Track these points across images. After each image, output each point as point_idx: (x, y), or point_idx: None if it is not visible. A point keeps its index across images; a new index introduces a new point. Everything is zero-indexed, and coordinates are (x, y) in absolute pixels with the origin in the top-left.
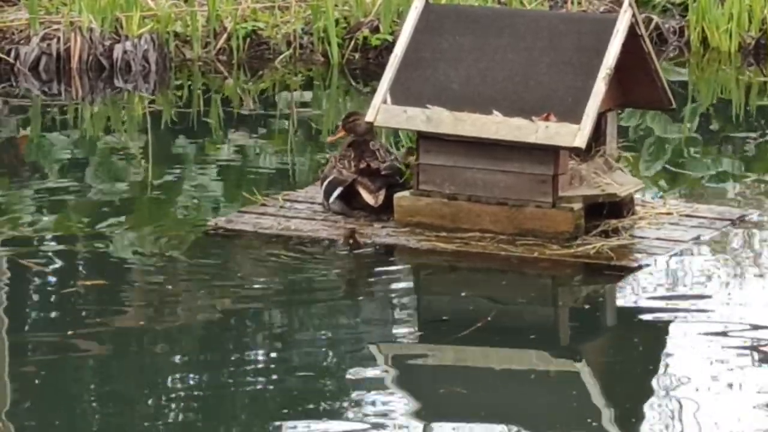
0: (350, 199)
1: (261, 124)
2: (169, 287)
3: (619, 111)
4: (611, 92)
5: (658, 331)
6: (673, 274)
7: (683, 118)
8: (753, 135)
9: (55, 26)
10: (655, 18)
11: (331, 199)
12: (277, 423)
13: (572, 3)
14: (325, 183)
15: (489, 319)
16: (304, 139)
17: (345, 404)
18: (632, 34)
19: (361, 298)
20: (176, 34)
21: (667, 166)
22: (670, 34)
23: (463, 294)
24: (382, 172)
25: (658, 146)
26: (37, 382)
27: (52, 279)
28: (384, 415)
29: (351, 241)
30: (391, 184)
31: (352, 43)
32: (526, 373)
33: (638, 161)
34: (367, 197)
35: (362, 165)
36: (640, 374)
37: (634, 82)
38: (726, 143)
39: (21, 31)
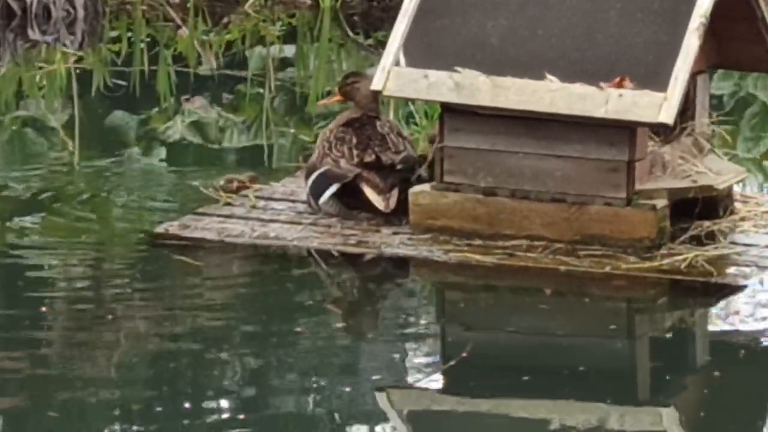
0: (347, 196)
1: (226, 90)
2: (101, 318)
3: (712, 73)
4: (704, 48)
5: None
6: None
7: None
8: None
9: None
10: None
11: (323, 199)
12: None
13: None
14: (314, 176)
15: (540, 358)
16: (285, 110)
17: None
18: None
19: (362, 331)
20: None
21: None
22: None
23: (504, 324)
24: (397, 167)
25: (764, 119)
26: None
27: None
28: None
29: None
30: (405, 179)
31: None
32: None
33: (737, 140)
34: (376, 200)
35: (369, 158)
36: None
37: (732, 34)
38: None
39: None
